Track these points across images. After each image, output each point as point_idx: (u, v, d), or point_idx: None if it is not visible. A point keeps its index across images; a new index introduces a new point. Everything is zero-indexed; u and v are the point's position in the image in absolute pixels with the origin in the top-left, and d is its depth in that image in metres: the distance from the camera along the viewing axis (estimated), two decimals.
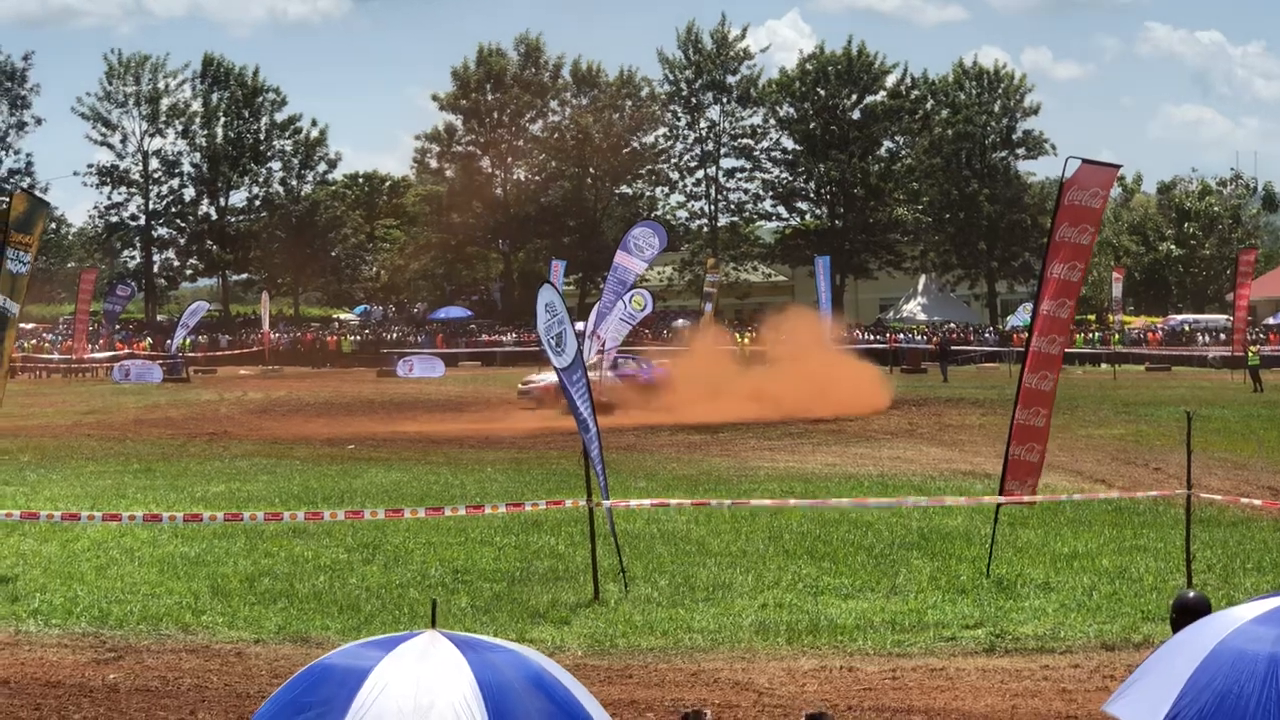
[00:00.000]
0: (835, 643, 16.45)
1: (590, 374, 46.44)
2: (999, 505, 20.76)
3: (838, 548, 22.31)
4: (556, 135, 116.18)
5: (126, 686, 15.37)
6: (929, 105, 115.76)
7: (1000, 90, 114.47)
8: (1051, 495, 23.96)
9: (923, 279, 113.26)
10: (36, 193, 22.37)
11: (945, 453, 37.93)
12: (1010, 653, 16.01)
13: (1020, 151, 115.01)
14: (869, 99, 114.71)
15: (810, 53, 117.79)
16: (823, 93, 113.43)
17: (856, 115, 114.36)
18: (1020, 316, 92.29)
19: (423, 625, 14.94)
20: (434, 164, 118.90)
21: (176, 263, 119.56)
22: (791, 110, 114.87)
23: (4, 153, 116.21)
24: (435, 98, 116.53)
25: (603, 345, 51.60)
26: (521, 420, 48.88)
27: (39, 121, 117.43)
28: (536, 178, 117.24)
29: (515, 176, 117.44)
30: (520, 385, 56.27)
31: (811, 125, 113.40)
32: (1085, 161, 20.00)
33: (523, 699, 5.46)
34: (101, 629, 17.77)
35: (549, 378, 53.84)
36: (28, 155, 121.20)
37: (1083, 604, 18.18)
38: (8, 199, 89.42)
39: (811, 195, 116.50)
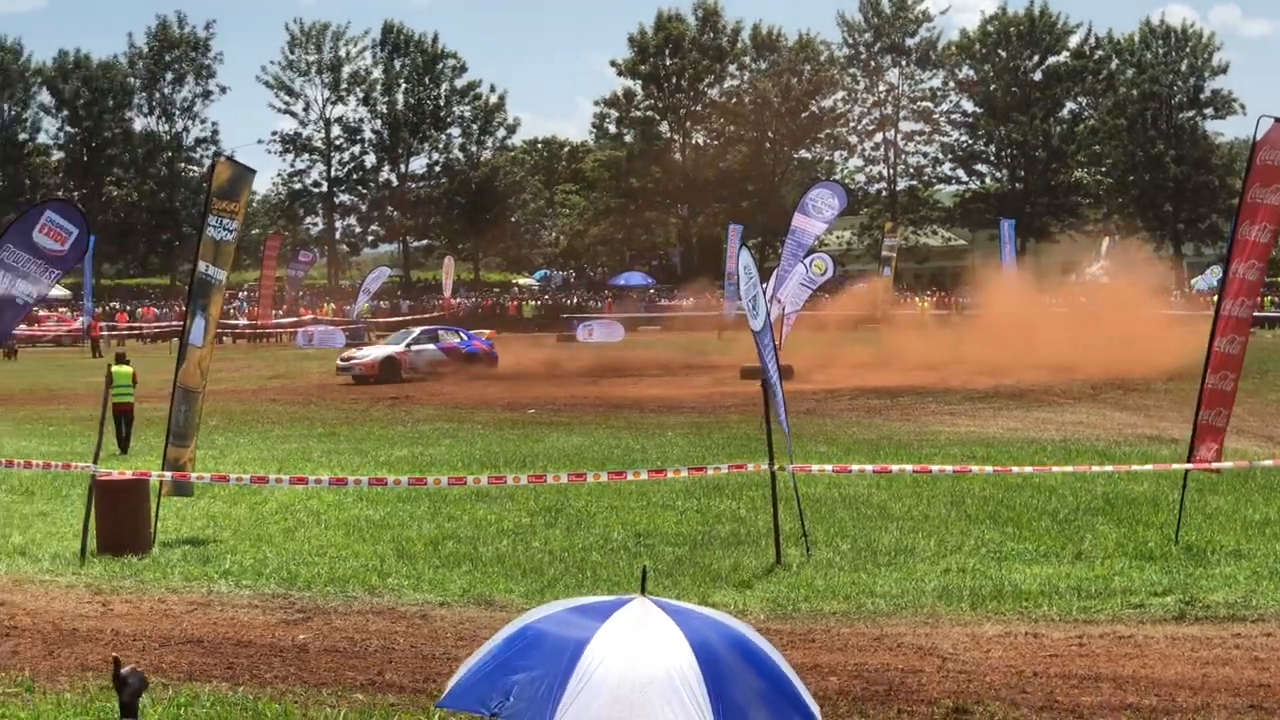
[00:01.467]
0: (1020, 609, 16.26)
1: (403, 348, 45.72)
2: (1187, 471, 20.38)
3: (1021, 513, 22.04)
4: (735, 100, 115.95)
5: (315, 647, 15.58)
6: (1113, 65, 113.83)
7: (1188, 49, 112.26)
8: (1242, 461, 23.48)
9: (1106, 242, 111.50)
10: (240, 160, 22.44)
11: (1129, 417, 37.32)
12: (1200, 620, 15.72)
13: (1208, 111, 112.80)
14: (1051, 60, 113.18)
15: (992, 14, 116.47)
16: (1004, 54, 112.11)
17: (1038, 76, 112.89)
18: (1207, 279, 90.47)
19: (605, 590, 15.02)
20: (613, 129, 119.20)
21: (358, 229, 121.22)
22: (971, 72, 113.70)
23: (191, 121, 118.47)
24: (614, 63, 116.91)
25: (783, 309, 51.24)
26: (702, 385, 48.83)
27: (223, 90, 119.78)
28: (715, 143, 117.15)
29: (694, 141, 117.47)
30: (340, 361, 55.58)
31: (992, 87, 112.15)
32: (1277, 120, 19.52)
33: (735, 670, 5.44)
34: (290, 590, 18.04)
35: (372, 353, 53.86)
36: (214, 124, 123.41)
37: (1275, 571, 17.80)
38: (197, 167, 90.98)
39: (991, 158, 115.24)
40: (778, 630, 15.36)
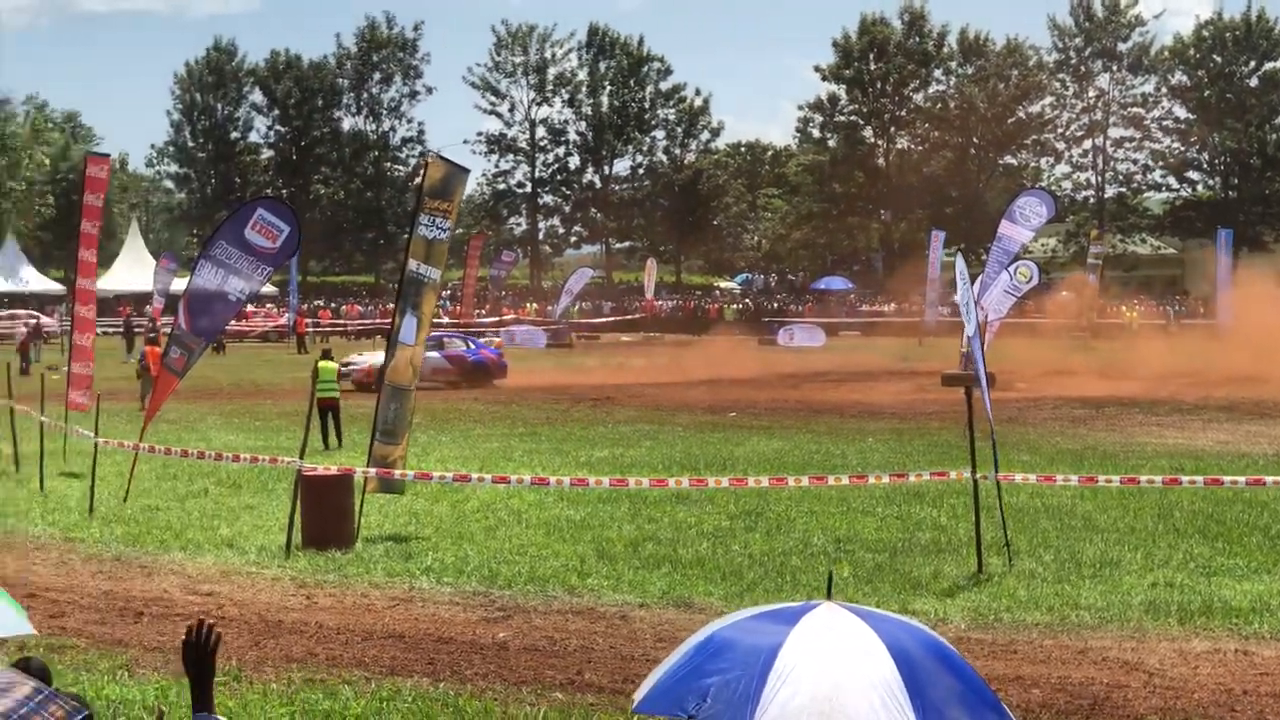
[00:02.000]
0: (1230, 625, 15.91)
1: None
2: None
3: (1231, 527, 21.57)
4: (940, 105, 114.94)
5: (515, 645, 15.71)
6: None
7: None
8: None
9: None
10: (453, 159, 22.58)
11: None
12: None
13: None
14: (1268, 65, 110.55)
15: (1207, 19, 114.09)
16: (1219, 59, 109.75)
17: (1254, 83, 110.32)
18: None
19: (804, 595, 14.95)
20: (816, 133, 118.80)
21: (561, 230, 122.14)
22: (1185, 78, 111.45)
23: (397, 121, 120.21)
24: (818, 68, 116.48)
25: (985, 316, 50.66)
26: (902, 391, 48.48)
27: (430, 91, 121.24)
28: (919, 148, 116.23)
29: (897, 146, 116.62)
30: (340, 366, 54.56)
31: (1206, 93, 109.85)
32: None
33: (933, 674, 5.41)
34: (491, 588, 18.21)
35: (369, 359, 52.82)
36: (420, 124, 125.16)
37: None
38: (403, 167, 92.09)
39: (1204, 166, 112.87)
40: (979, 640, 15.21)
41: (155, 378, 28.23)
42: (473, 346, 55.54)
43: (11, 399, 29.68)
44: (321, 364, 33.19)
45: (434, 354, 49.71)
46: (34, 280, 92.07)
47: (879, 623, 5.55)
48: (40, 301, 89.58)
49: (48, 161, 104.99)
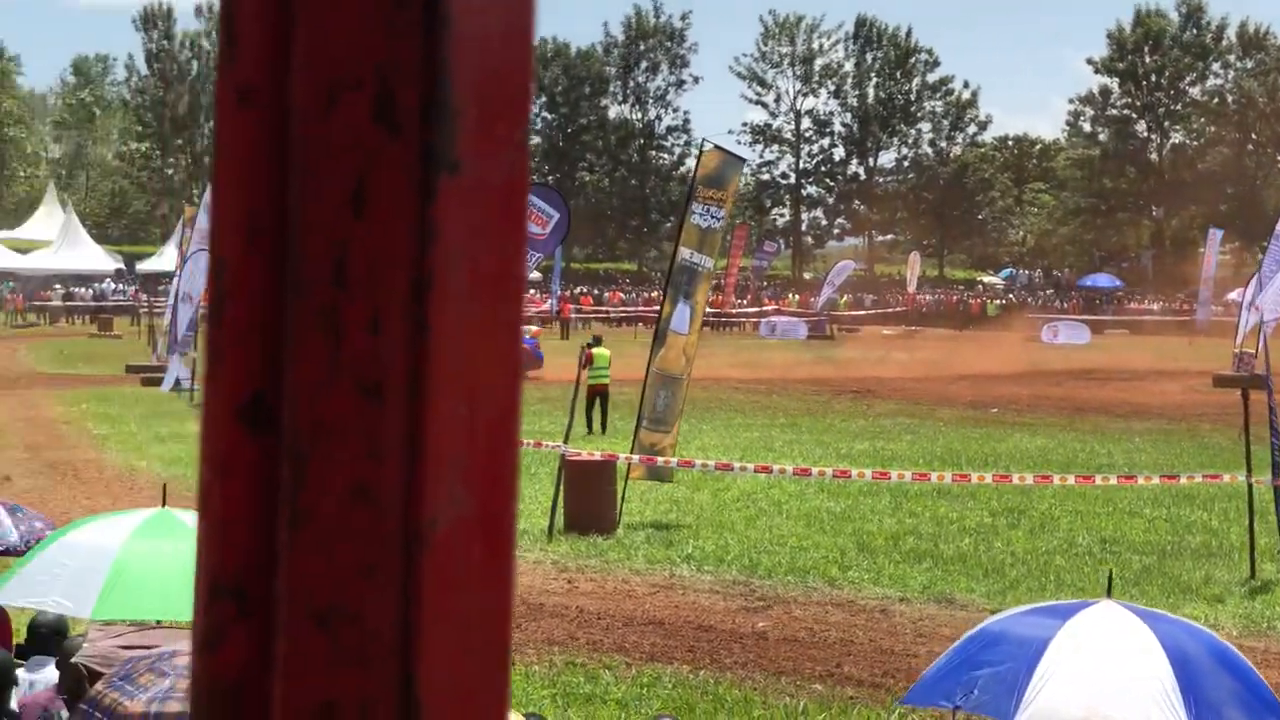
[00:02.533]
0: None
1: None
2: None
3: None
4: (1217, 100, 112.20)
5: (775, 635, 15.76)
6: None
7: None
8: None
9: None
10: (730, 150, 22.58)
11: None
12: None
13: None
14: None
15: None
16: None
17: None
18: None
19: (1069, 595, 14.70)
20: (1087, 128, 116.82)
21: (824, 221, 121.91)
22: None
23: (663, 110, 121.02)
24: (1090, 61, 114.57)
25: (1260, 317, 49.21)
26: (1171, 392, 47.41)
27: (696, 80, 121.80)
28: (1194, 143, 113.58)
29: (1172, 141, 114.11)
30: None
31: None
32: None
33: (1210, 675, 5.31)
34: (751, 578, 18.26)
35: None
36: (685, 113, 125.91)
37: None
38: (668, 155, 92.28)
39: None
40: (1251, 648, 14.81)
41: None
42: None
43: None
44: (596, 351, 33.46)
45: None
46: None
47: (1157, 622, 5.48)
48: None
49: None
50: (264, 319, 0.90)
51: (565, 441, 21.11)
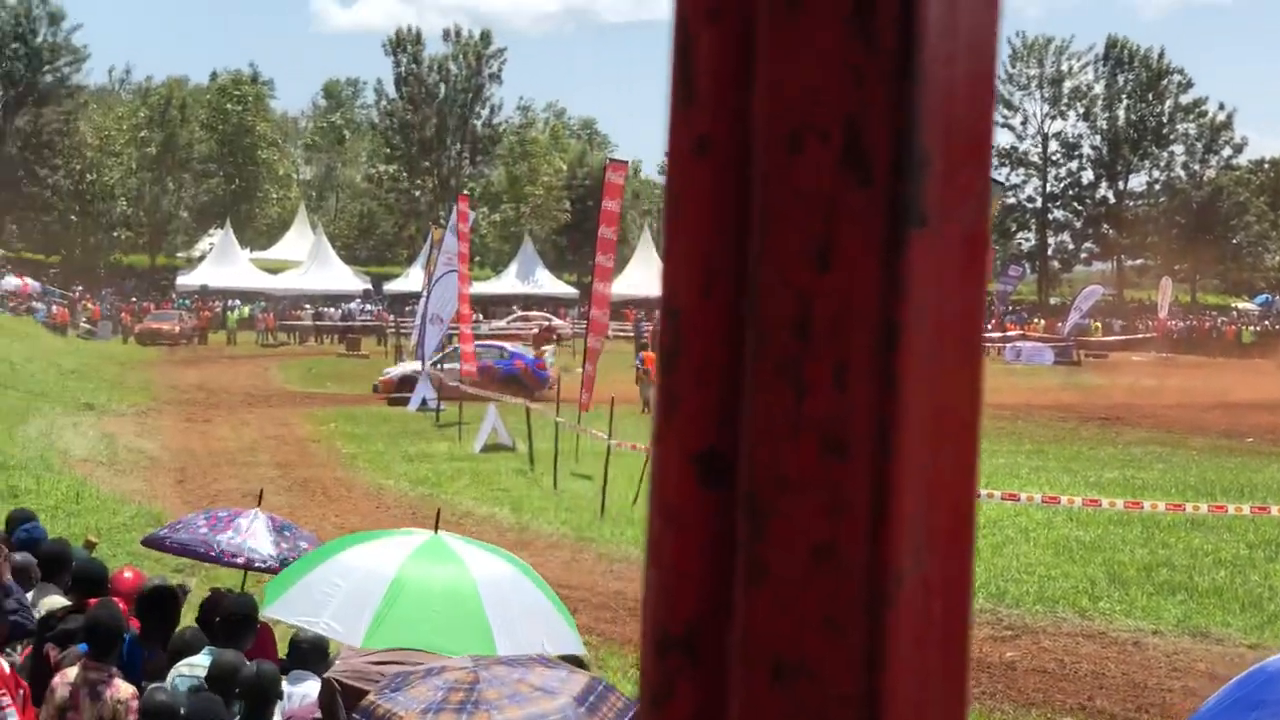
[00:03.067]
0: None
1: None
2: None
3: None
4: None
5: (1023, 665, 15.55)
6: None
7: None
8: None
9: None
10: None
11: None
12: None
13: None
14: None
15: None
16: None
17: None
18: None
19: None
20: None
21: (1071, 245, 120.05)
22: None
23: None
24: None
25: None
26: None
27: None
28: None
29: None
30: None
31: None
32: None
33: None
34: (998, 606, 18.03)
35: (396, 370, 49.54)
36: None
37: None
38: None
39: None
40: None
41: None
42: (506, 356, 51.61)
43: (529, 399, 30.91)
44: None
45: (453, 365, 47.06)
46: (548, 283, 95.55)
47: None
48: (554, 304, 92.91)
49: (565, 167, 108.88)
50: (719, 370, 0.90)
51: None
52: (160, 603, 9.71)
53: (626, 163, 40.78)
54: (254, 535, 11.58)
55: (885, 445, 0.86)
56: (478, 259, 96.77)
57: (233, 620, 9.21)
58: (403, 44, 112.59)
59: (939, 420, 0.88)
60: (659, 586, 0.93)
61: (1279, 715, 5.23)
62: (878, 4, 0.85)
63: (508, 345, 54.51)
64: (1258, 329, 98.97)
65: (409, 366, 51.02)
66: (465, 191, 70.89)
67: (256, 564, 11.91)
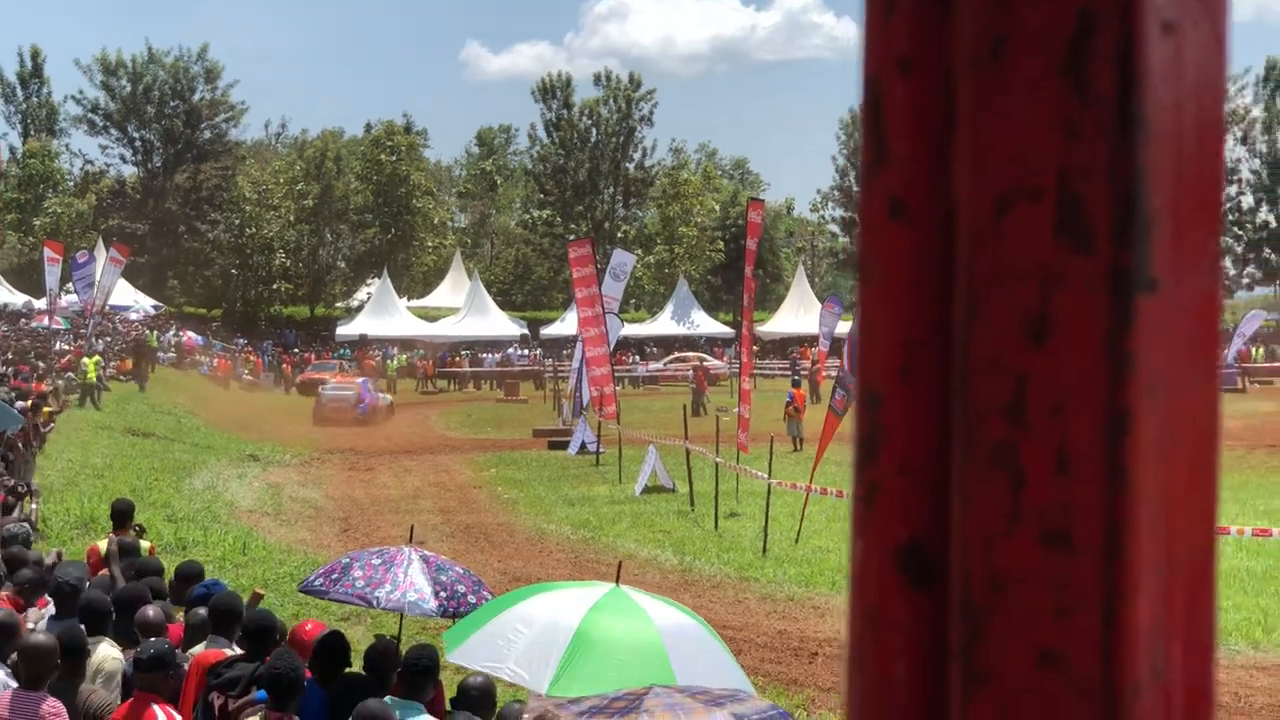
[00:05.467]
0: None
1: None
2: None
3: None
4: None
5: None
6: None
7: None
8: None
9: None
10: None
11: None
12: None
13: None
14: None
15: None
16: None
17: None
18: None
19: None
20: None
21: (1232, 271, 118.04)
22: None
23: None
24: None
25: None
26: None
27: None
28: None
29: None
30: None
31: None
32: None
33: None
34: None
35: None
36: None
37: None
38: None
39: None
40: None
41: (822, 420, 28.41)
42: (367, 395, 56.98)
43: (687, 439, 30.84)
44: None
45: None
46: (704, 323, 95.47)
47: None
48: (710, 343, 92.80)
49: (717, 207, 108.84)
50: (923, 457, 0.82)
51: None
52: (332, 652, 9.79)
53: (763, 201, 41.21)
54: (413, 587, 11.53)
55: (1116, 539, 0.77)
56: (633, 300, 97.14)
57: (416, 671, 9.22)
58: (551, 90, 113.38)
59: (1174, 511, 0.80)
60: (865, 693, 0.85)
61: None
62: (1093, 48, 0.77)
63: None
64: None
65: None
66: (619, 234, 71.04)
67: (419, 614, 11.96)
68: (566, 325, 76.27)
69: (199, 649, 10.33)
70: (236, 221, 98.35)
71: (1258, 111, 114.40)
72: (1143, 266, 0.78)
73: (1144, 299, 0.78)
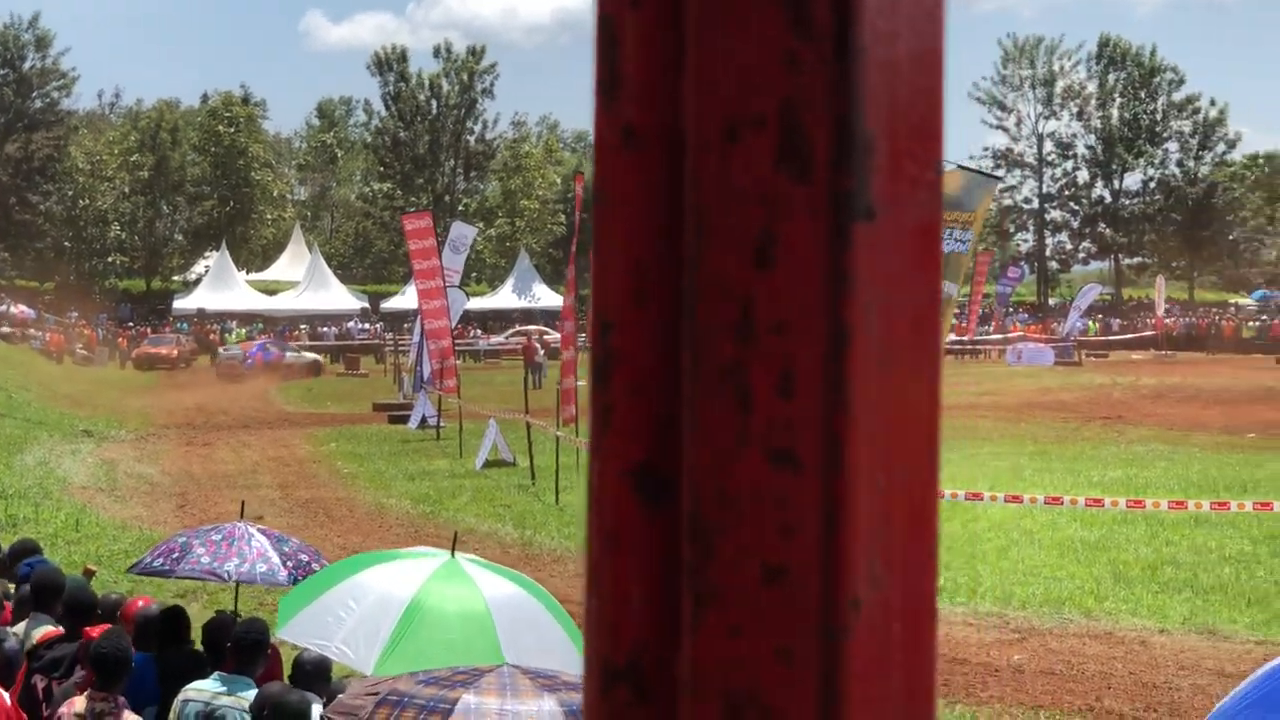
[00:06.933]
0: None
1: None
2: None
3: None
4: None
5: (1031, 668, 15.48)
6: None
7: None
8: None
9: None
10: (978, 168, 22.25)
11: None
12: None
13: None
14: None
15: None
16: None
17: None
18: None
19: None
20: None
21: (1069, 245, 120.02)
22: None
23: None
24: None
25: None
26: None
27: None
28: None
29: None
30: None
31: None
32: None
33: None
34: (1005, 609, 17.98)
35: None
36: None
37: None
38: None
39: None
40: None
41: None
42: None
43: (527, 413, 30.84)
44: None
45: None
46: (545, 296, 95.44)
47: None
48: (550, 317, 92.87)
49: (559, 180, 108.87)
50: (655, 380, 0.84)
51: None
52: (167, 626, 9.68)
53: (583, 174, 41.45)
54: (261, 557, 11.45)
55: (836, 457, 0.80)
56: (474, 274, 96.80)
57: (245, 645, 9.12)
58: (389, 63, 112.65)
59: (894, 427, 0.82)
60: (600, 614, 0.87)
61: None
62: None
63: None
64: (1255, 324, 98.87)
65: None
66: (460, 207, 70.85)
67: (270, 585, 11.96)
68: (407, 299, 75.92)
69: (21, 627, 10.17)
70: (69, 193, 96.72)
71: (1092, 88, 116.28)
72: (861, 192, 0.80)
73: (862, 223, 0.80)
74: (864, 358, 0.80)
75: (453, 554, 9.88)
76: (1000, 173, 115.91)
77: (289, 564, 11.43)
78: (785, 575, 0.80)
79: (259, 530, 12.02)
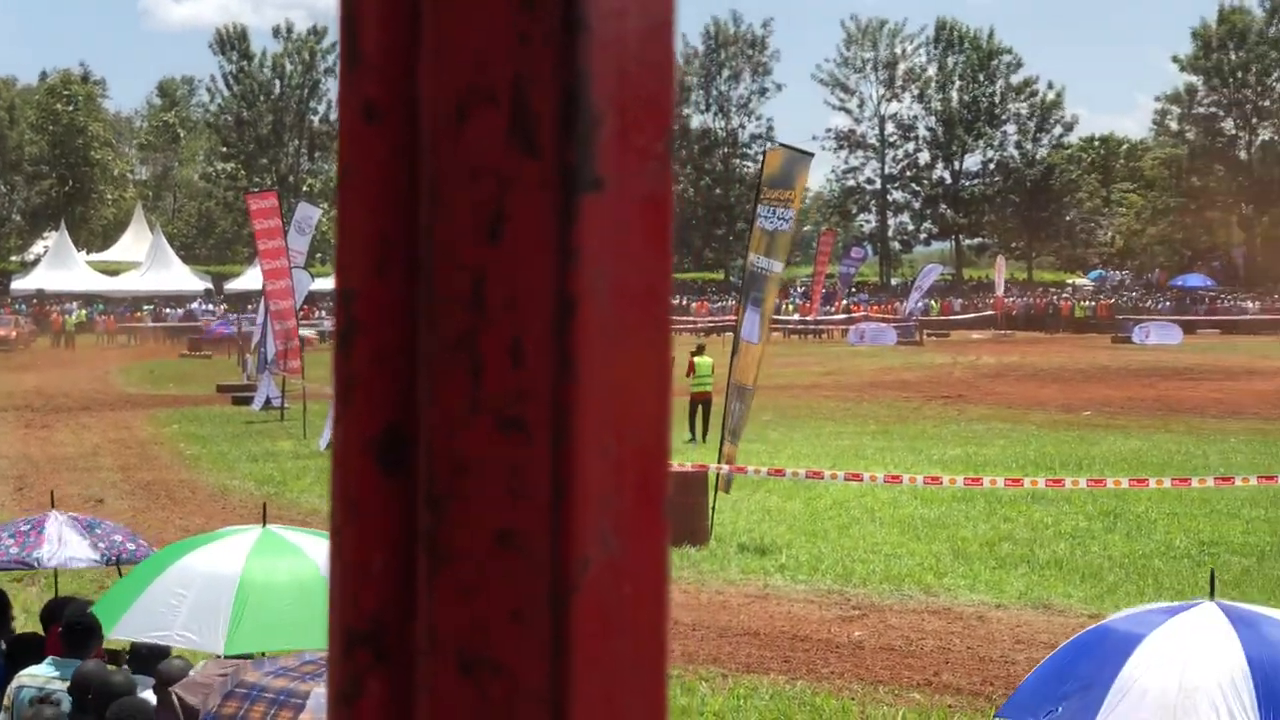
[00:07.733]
0: None
1: None
2: None
3: None
4: None
5: (871, 644, 15.66)
6: None
7: None
8: None
9: None
10: (796, 146, 22.38)
11: None
12: None
13: None
14: None
15: None
16: None
17: None
18: None
19: (1168, 599, 14.53)
20: (1174, 126, 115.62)
21: (911, 226, 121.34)
22: None
23: (746, 118, 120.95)
24: (1175, 59, 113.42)
25: None
26: (1267, 391, 46.77)
27: (779, 88, 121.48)
28: None
29: (1261, 138, 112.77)
30: None
31: None
32: None
33: None
34: (845, 587, 18.17)
35: None
36: (768, 120, 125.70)
37: None
38: (752, 163, 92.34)
39: None
40: None
41: None
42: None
43: None
44: (699, 359, 33.96)
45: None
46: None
47: (1250, 627, 5.38)
48: None
49: None
50: (396, 350, 0.86)
51: None
52: None
53: None
54: (68, 544, 11.35)
55: (564, 425, 0.82)
56: (319, 255, 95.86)
57: (77, 630, 8.99)
58: (228, 42, 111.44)
59: (623, 394, 0.84)
60: (342, 580, 0.89)
61: (1081, 690, 5.31)
62: None
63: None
64: (1091, 304, 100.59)
65: None
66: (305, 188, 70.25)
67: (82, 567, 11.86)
68: (251, 279, 75.17)
69: None
70: None
71: (932, 71, 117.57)
72: (588, 165, 0.82)
73: (589, 196, 0.82)
74: (591, 328, 0.82)
75: (264, 524, 9.85)
76: (843, 154, 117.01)
77: (101, 545, 11.35)
78: (516, 539, 0.82)
79: (69, 516, 11.92)
